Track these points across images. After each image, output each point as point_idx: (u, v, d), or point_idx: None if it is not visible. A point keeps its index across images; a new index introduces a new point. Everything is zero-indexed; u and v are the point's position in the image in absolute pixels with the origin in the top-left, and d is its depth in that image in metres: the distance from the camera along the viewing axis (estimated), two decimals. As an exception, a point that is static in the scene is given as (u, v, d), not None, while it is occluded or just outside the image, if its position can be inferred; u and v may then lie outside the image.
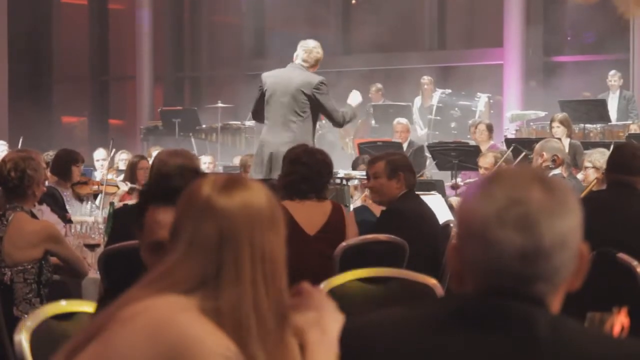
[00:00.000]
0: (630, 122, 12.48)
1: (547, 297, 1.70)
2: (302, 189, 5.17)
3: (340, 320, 2.13)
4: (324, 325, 2.11)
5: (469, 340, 1.68)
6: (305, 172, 5.18)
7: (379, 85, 14.82)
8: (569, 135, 10.52)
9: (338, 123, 7.99)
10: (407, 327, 1.74)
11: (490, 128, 11.72)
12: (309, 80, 7.75)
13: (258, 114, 8.09)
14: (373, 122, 14.38)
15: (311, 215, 5.13)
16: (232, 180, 2.05)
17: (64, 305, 2.78)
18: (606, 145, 8.64)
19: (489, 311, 1.69)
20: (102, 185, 8.24)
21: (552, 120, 10.75)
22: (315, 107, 7.76)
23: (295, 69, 7.88)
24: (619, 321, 2.07)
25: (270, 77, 7.94)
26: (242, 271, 1.98)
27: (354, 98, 8.27)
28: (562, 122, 10.54)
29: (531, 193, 1.69)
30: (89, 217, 7.73)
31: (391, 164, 5.59)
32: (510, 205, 1.68)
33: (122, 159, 11.09)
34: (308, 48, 7.94)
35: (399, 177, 5.54)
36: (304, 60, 7.91)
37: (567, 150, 10.11)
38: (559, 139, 9.74)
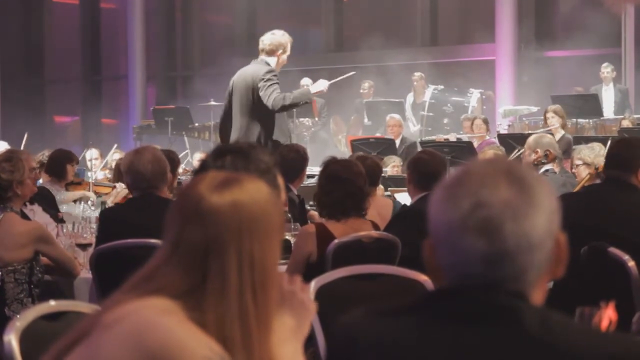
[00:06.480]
0: (622, 117, 12.48)
1: (525, 292, 1.67)
2: (344, 207, 4.87)
3: (310, 321, 2.12)
4: (301, 337, 2.10)
5: (451, 333, 1.67)
6: (348, 189, 4.86)
7: (371, 82, 14.83)
8: (564, 126, 10.51)
9: (273, 107, 7.40)
10: (391, 323, 1.72)
11: (487, 122, 11.83)
12: (257, 72, 7.52)
13: (223, 131, 7.74)
14: (366, 119, 14.39)
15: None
16: (228, 180, 1.96)
17: (53, 305, 2.77)
18: (600, 140, 8.61)
19: (471, 304, 1.67)
20: (94, 186, 8.22)
21: (546, 112, 10.72)
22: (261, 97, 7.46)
23: (254, 64, 7.67)
24: (607, 315, 2.06)
25: (235, 77, 7.74)
26: (228, 282, 1.90)
27: (316, 85, 8.00)
28: (556, 112, 10.52)
29: (497, 193, 1.64)
30: (82, 215, 7.71)
31: (408, 163, 5.60)
32: (473, 210, 1.64)
33: (116, 158, 11.00)
34: (265, 37, 7.71)
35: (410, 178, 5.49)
36: (261, 50, 7.68)
37: (557, 140, 10.10)
38: (550, 132, 9.73)
